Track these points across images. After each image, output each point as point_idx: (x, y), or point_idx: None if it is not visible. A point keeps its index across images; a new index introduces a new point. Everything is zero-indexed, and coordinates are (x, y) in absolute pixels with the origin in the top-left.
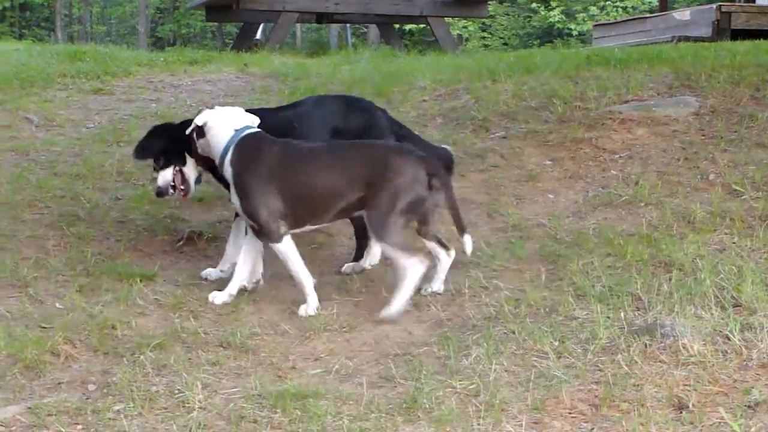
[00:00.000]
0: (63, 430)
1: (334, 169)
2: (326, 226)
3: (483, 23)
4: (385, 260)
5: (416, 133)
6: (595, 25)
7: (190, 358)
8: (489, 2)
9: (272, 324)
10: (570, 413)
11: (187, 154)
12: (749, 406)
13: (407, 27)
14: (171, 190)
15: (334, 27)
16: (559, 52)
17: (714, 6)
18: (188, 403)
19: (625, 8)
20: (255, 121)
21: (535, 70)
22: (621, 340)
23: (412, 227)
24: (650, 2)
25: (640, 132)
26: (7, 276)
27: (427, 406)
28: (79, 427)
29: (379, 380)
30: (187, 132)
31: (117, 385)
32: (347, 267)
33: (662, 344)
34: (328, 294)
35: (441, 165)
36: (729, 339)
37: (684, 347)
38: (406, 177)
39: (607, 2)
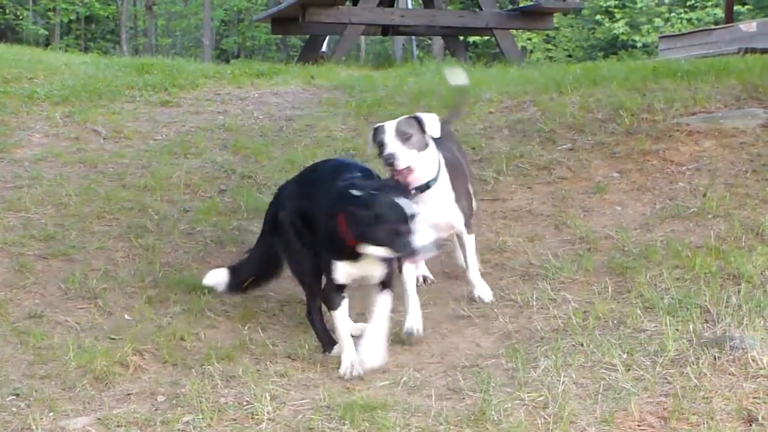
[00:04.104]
0: None
1: None
2: None
3: (547, 35)
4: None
5: (482, 144)
6: (661, 37)
7: (258, 370)
8: (554, 14)
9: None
10: (639, 426)
11: None
12: None
13: (471, 39)
14: None
15: (399, 39)
16: (626, 63)
17: None
18: (257, 415)
19: (689, 20)
20: None
21: (602, 81)
22: (690, 352)
23: None
24: (715, 14)
25: (707, 144)
26: (77, 287)
27: (496, 418)
28: None
29: (448, 392)
30: None
31: (186, 396)
32: None
33: (731, 357)
34: (396, 306)
35: None
36: None
37: (753, 360)
38: None
39: (672, 14)
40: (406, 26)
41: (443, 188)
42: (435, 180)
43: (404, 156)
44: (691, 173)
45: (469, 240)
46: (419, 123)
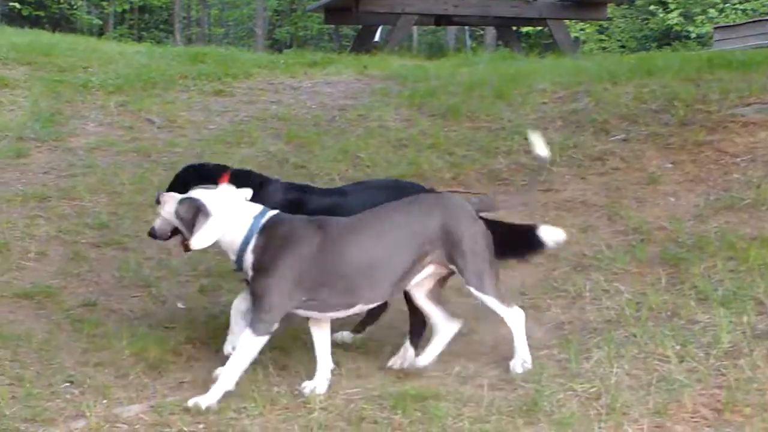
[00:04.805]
0: (185, 429)
1: None
2: None
3: (600, 26)
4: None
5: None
6: (716, 28)
7: (310, 359)
8: (607, 4)
9: (391, 326)
10: (692, 418)
11: None
12: None
13: (524, 29)
14: None
15: (451, 29)
16: (680, 54)
17: None
18: (309, 404)
19: (744, 11)
20: None
21: (656, 72)
22: (744, 344)
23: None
24: None
25: (762, 135)
26: (131, 276)
27: (548, 408)
28: (201, 426)
29: (500, 382)
30: None
31: (238, 385)
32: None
33: None
34: (448, 296)
35: None
36: None
37: None
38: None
39: (727, 4)
40: (459, 16)
41: None
42: None
43: None
44: (745, 164)
45: None
46: None
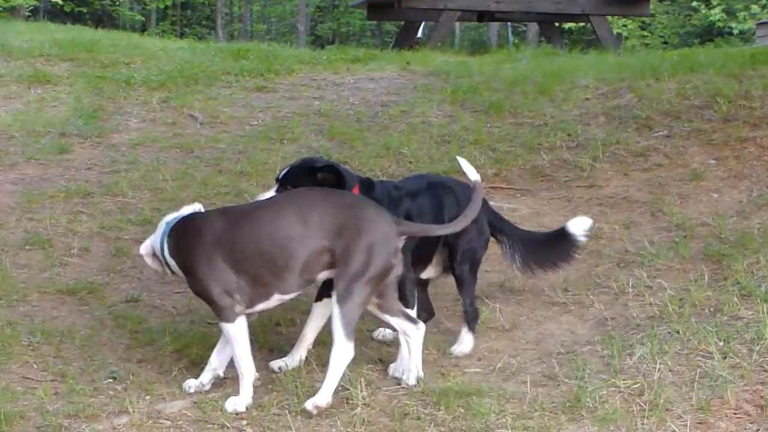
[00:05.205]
0: (228, 425)
1: None
2: None
3: (643, 22)
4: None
5: (578, 131)
6: (758, 24)
7: (354, 355)
8: (650, 0)
9: (435, 322)
10: (735, 414)
11: None
12: None
13: (566, 25)
14: None
15: (493, 25)
16: (723, 50)
17: None
18: (352, 400)
19: None
20: None
21: (699, 68)
22: None
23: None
24: None
25: None
26: None
27: (591, 405)
28: (244, 422)
29: (543, 379)
30: None
31: (281, 381)
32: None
33: None
34: (492, 292)
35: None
36: None
37: None
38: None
39: None
40: (502, 12)
41: None
42: None
43: None
44: None
45: None
46: None
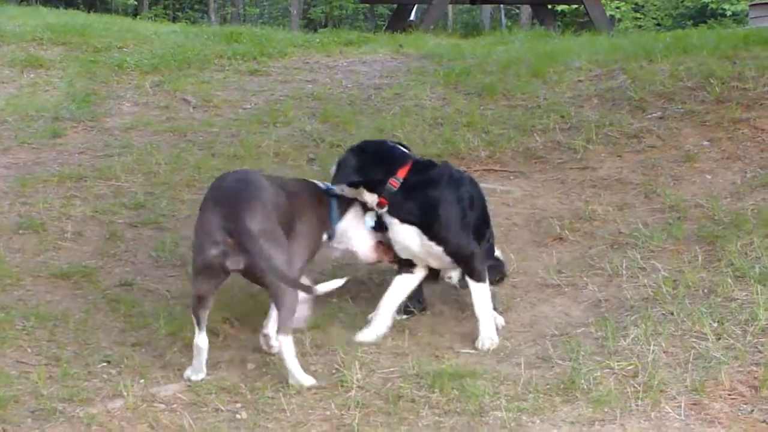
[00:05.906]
0: (222, 407)
1: None
2: None
3: (636, 3)
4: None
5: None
6: (751, 5)
7: (347, 338)
8: None
9: (429, 304)
10: (729, 395)
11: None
12: None
13: (559, 7)
14: None
15: (486, 8)
16: (716, 32)
17: None
18: (346, 382)
19: None
20: None
21: (692, 50)
22: None
23: None
24: None
25: None
26: (167, 255)
27: (585, 386)
28: (238, 405)
29: (537, 361)
30: None
31: (275, 364)
32: None
33: None
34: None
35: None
36: None
37: None
38: None
39: None
40: None
41: None
42: None
43: None
44: None
45: None
46: None
